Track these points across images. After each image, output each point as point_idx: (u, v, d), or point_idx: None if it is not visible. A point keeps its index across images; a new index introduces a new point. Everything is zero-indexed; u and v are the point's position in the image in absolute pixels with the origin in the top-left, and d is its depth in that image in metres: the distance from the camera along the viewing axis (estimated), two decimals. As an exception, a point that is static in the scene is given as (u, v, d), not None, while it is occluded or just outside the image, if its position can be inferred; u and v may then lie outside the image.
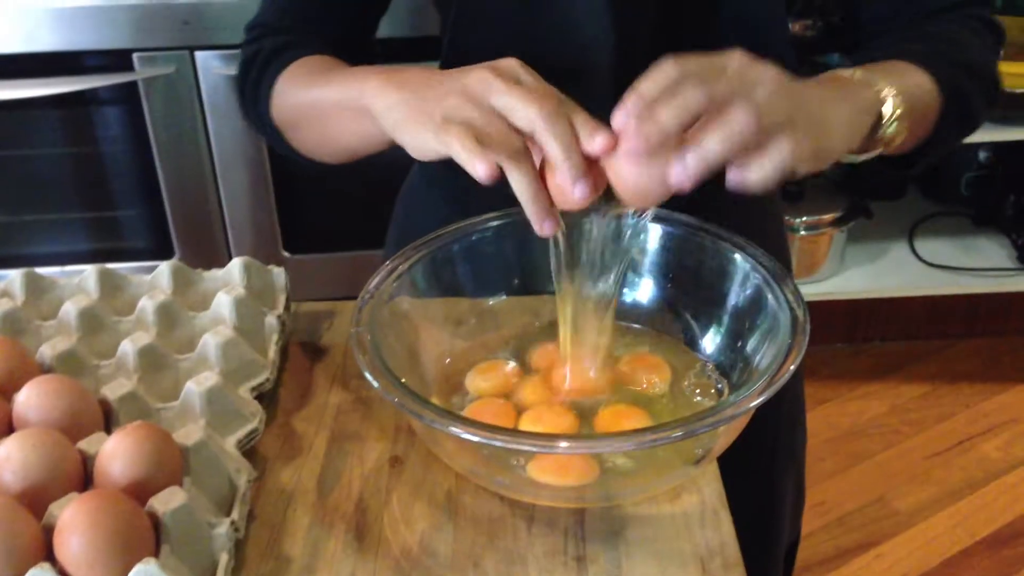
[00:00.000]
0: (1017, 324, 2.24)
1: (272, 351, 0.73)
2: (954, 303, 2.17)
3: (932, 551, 1.76)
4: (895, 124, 0.65)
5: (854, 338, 2.24)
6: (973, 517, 1.83)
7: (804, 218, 1.92)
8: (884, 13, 0.81)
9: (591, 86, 0.76)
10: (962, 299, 2.12)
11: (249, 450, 0.67)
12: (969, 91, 0.73)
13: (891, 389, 2.13)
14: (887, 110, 0.65)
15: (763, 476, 0.94)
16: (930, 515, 1.83)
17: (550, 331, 0.75)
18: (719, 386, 0.69)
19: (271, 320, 0.75)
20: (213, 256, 1.78)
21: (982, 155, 2.09)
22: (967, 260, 2.03)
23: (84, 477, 0.60)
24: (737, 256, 0.68)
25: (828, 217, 1.94)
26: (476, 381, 0.70)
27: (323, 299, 0.84)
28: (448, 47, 0.80)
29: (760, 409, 0.57)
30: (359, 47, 0.87)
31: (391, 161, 0.92)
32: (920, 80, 0.70)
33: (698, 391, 0.69)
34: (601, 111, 0.76)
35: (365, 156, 0.77)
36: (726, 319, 0.70)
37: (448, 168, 0.88)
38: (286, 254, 1.81)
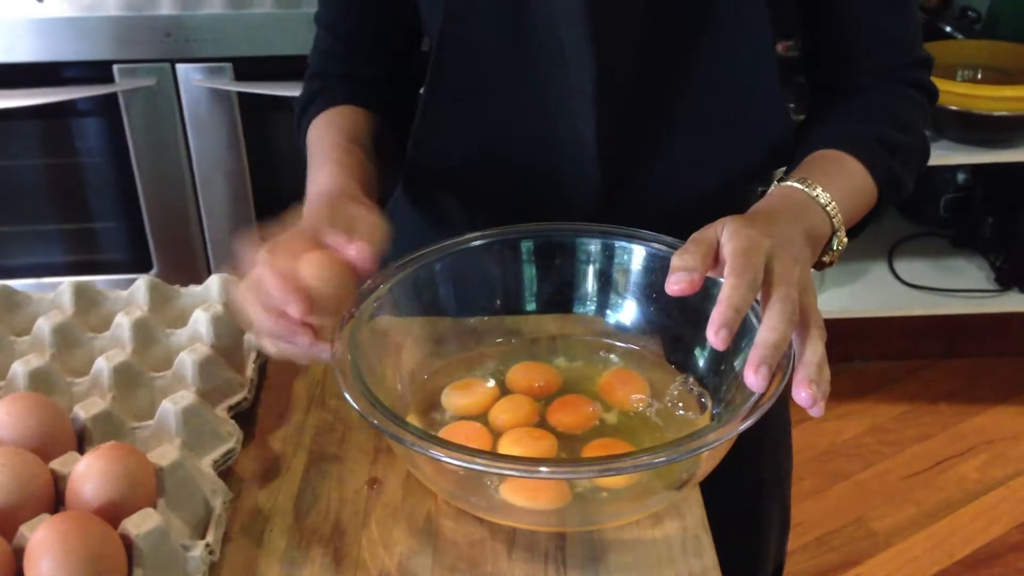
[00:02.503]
0: (995, 345, 2.25)
1: (250, 370, 0.72)
2: (933, 324, 2.18)
3: (910, 572, 1.76)
4: (837, 246, 0.72)
5: (833, 358, 2.20)
6: (951, 538, 1.83)
7: (785, 238, 1.93)
8: (831, 70, 0.84)
9: (574, 103, 0.76)
10: (941, 320, 2.13)
11: (225, 471, 0.66)
12: (903, 180, 0.78)
13: (870, 409, 2.13)
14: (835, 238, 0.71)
15: (749, 501, 0.93)
16: (908, 536, 1.83)
17: (530, 351, 0.74)
18: (702, 399, 0.69)
19: (249, 338, 0.74)
20: (192, 269, 1.77)
21: (961, 177, 2.11)
22: (946, 281, 2.04)
23: (55, 498, 0.59)
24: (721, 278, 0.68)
25: (808, 237, 1.94)
26: (452, 398, 0.70)
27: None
28: (434, 70, 0.79)
29: (745, 433, 0.57)
30: (402, 78, 0.89)
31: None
32: (861, 182, 0.75)
33: (681, 404, 0.68)
34: (583, 126, 0.76)
35: None
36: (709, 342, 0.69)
37: (433, 189, 0.88)
38: (266, 268, 1.80)
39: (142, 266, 1.75)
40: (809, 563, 1.77)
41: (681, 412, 0.68)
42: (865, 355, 2.26)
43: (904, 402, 2.15)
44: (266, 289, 0.61)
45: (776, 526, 0.98)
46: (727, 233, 0.60)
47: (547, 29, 0.75)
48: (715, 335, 0.55)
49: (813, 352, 0.59)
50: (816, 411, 0.58)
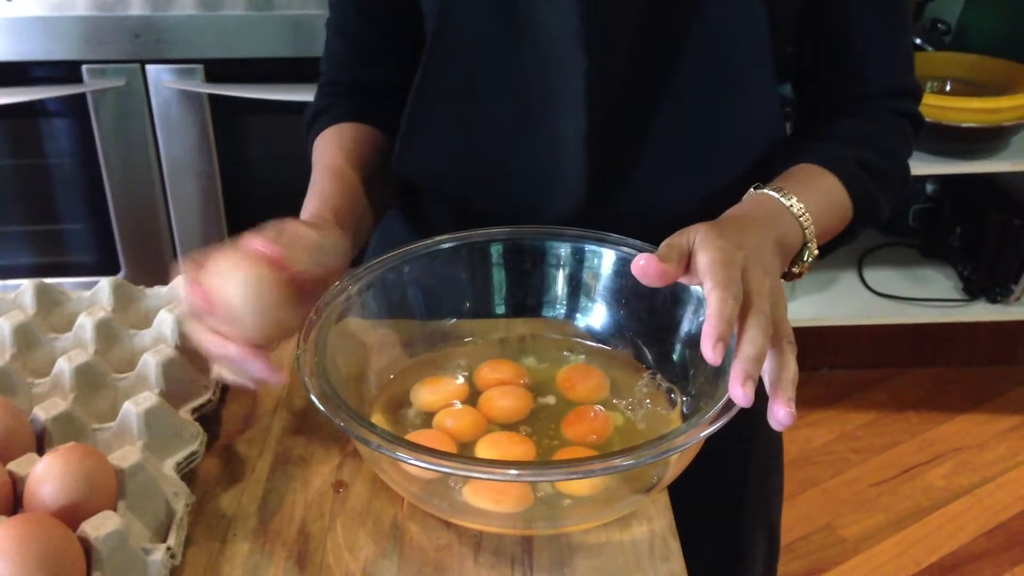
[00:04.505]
0: (963, 354, 2.27)
1: (215, 371, 0.71)
2: (902, 332, 2.20)
3: (878, 579, 1.77)
4: (807, 257, 0.72)
5: (803, 366, 2.24)
6: (918, 545, 1.84)
7: (756, 246, 1.94)
8: (821, 90, 0.85)
9: (564, 105, 0.75)
10: (910, 328, 2.15)
11: (188, 473, 0.65)
12: (880, 203, 0.79)
13: (839, 417, 2.15)
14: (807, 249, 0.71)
15: (730, 525, 0.92)
16: (876, 543, 1.84)
17: (499, 351, 0.74)
18: (671, 395, 0.69)
19: (215, 342, 0.73)
20: (161, 272, 1.74)
21: (929, 188, 2.13)
22: (915, 290, 2.06)
23: (13, 500, 0.58)
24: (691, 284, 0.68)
25: (779, 246, 1.95)
26: (422, 394, 0.69)
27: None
28: (424, 72, 0.79)
29: (728, 457, 0.57)
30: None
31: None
32: (837, 197, 0.76)
33: (649, 401, 0.69)
34: (573, 129, 0.75)
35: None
36: (679, 347, 0.69)
37: (418, 194, 0.87)
38: (236, 272, 1.78)
39: (110, 269, 1.73)
40: (778, 570, 1.77)
41: (650, 406, 0.68)
42: (834, 363, 2.27)
43: (873, 410, 2.17)
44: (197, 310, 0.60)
45: (762, 552, 0.97)
46: (700, 242, 0.60)
47: (540, 26, 0.74)
48: (712, 349, 0.55)
49: (788, 369, 0.58)
50: (782, 415, 0.58)
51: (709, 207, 0.70)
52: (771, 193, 0.70)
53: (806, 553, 1.81)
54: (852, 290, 2.07)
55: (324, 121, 0.86)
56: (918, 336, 2.23)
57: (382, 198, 0.84)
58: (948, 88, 1.95)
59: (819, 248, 0.73)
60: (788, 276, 0.73)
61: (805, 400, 2.18)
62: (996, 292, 2.02)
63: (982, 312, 2.03)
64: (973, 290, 2.04)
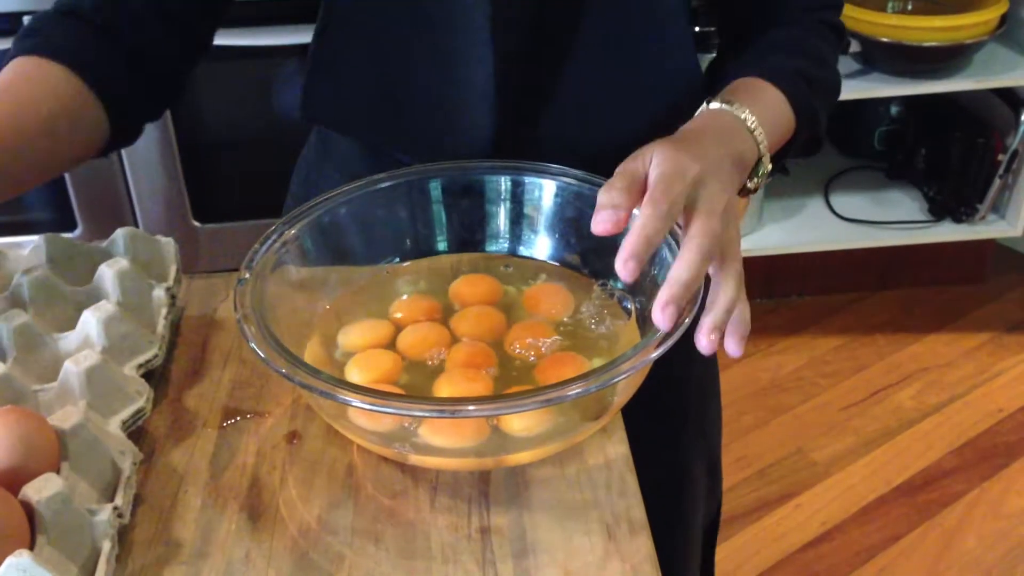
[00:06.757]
0: (929, 275, 2.29)
1: (161, 326, 0.70)
2: (868, 256, 2.20)
3: (850, 499, 1.80)
4: (761, 171, 0.70)
5: (773, 293, 2.27)
6: (889, 465, 1.87)
7: (721, 175, 1.93)
8: (745, 12, 0.83)
9: (469, 37, 0.74)
10: (876, 252, 2.16)
11: (136, 431, 0.64)
12: (819, 113, 0.77)
13: (808, 342, 2.16)
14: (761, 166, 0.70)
15: (671, 449, 0.92)
16: (847, 464, 1.87)
17: (434, 293, 0.73)
18: (624, 303, 0.68)
19: (159, 293, 0.72)
20: (118, 227, 1.72)
21: (894, 109, 2.12)
22: (881, 213, 2.06)
23: (-48, 468, 0.56)
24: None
25: (745, 174, 1.94)
26: (351, 338, 0.68)
27: (237, 269, 0.80)
28: (325, 5, 0.77)
29: (669, 379, 0.56)
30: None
31: (300, 127, 0.89)
32: (782, 110, 0.74)
33: (605, 311, 0.69)
34: (478, 64, 0.73)
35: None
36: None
37: (344, 139, 0.85)
38: (196, 223, 1.76)
39: (65, 225, 1.70)
40: (750, 496, 1.80)
41: (607, 320, 0.68)
42: (803, 290, 2.28)
43: (841, 334, 2.18)
44: None
45: (702, 477, 0.97)
46: (655, 158, 0.58)
47: None
48: (623, 265, 0.54)
49: (725, 295, 0.57)
50: (734, 351, 0.57)
51: (628, 147, 0.68)
52: (725, 107, 0.68)
53: (778, 478, 1.84)
54: (819, 216, 2.07)
55: (32, 43, 0.71)
56: (885, 259, 2.24)
57: (49, 155, 0.70)
58: (909, 7, 1.93)
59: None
60: (743, 192, 0.72)
61: (774, 328, 2.19)
62: (961, 212, 2.02)
63: (948, 232, 2.04)
64: (939, 211, 2.05)
